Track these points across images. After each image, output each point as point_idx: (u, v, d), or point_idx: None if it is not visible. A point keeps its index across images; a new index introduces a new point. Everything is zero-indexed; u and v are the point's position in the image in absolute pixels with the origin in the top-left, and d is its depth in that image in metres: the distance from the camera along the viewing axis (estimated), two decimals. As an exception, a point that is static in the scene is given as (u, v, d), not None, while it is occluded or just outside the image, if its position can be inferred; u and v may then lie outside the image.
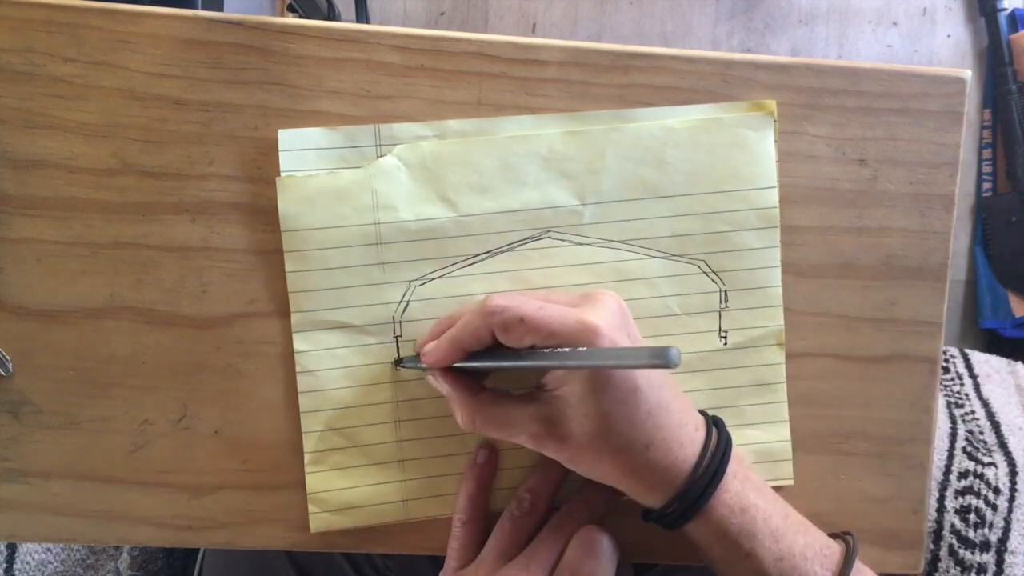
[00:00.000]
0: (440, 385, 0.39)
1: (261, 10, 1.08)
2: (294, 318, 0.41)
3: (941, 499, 0.62)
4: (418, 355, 0.40)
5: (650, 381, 0.35)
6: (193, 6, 0.63)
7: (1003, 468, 0.64)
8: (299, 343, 0.41)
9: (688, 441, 0.36)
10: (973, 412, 0.73)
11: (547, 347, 0.35)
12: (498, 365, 0.37)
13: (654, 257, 0.43)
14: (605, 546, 0.35)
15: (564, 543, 0.37)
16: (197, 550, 0.55)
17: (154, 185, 0.41)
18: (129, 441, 0.41)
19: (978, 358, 0.81)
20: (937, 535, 0.61)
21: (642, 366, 0.32)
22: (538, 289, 0.42)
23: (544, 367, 0.35)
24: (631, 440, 0.35)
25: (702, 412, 0.39)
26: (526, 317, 0.34)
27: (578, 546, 0.36)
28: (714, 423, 0.38)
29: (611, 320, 0.35)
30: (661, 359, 0.29)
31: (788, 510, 0.38)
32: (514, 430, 0.36)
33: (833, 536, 0.39)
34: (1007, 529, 0.61)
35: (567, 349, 0.34)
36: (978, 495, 0.62)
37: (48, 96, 0.40)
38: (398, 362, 0.42)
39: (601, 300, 0.36)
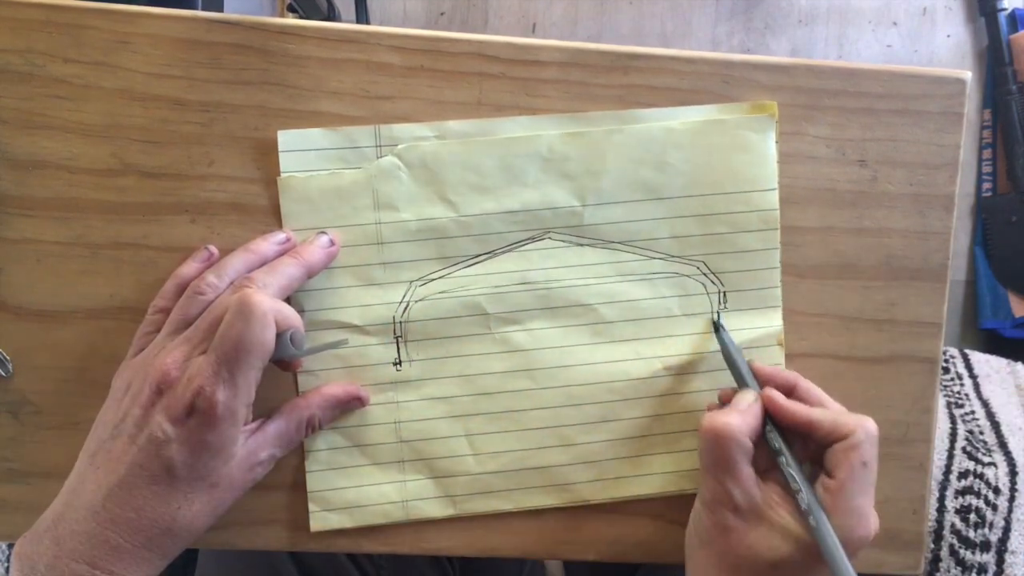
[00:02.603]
0: (748, 399, 0.39)
1: (261, 10, 1.08)
2: (294, 318, 0.41)
3: (941, 499, 0.62)
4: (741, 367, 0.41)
5: None
6: (193, 6, 0.63)
7: (1003, 468, 0.64)
8: (299, 343, 0.41)
9: None
10: (973, 412, 0.73)
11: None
12: (795, 472, 0.37)
13: (654, 258, 0.43)
14: (257, 311, 0.35)
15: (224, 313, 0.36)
16: (196, 550, 0.55)
17: (154, 185, 0.41)
18: (129, 441, 0.41)
19: (978, 358, 0.81)
20: (937, 535, 0.61)
21: None
22: (538, 289, 0.42)
23: (812, 516, 0.35)
24: None
25: None
26: (854, 475, 0.36)
27: (233, 310, 0.35)
28: None
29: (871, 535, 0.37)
30: None
31: None
32: (726, 478, 0.37)
33: None
34: (1007, 529, 0.61)
35: (830, 530, 0.35)
36: (978, 495, 0.62)
37: (48, 96, 0.40)
38: (717, 327, 0.42)
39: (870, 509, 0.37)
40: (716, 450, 0.37)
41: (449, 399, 0.42)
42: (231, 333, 0.35)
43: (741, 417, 0.38)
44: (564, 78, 0.42)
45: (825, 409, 0.39)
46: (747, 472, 0.37)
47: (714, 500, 0.38)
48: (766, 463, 0.38)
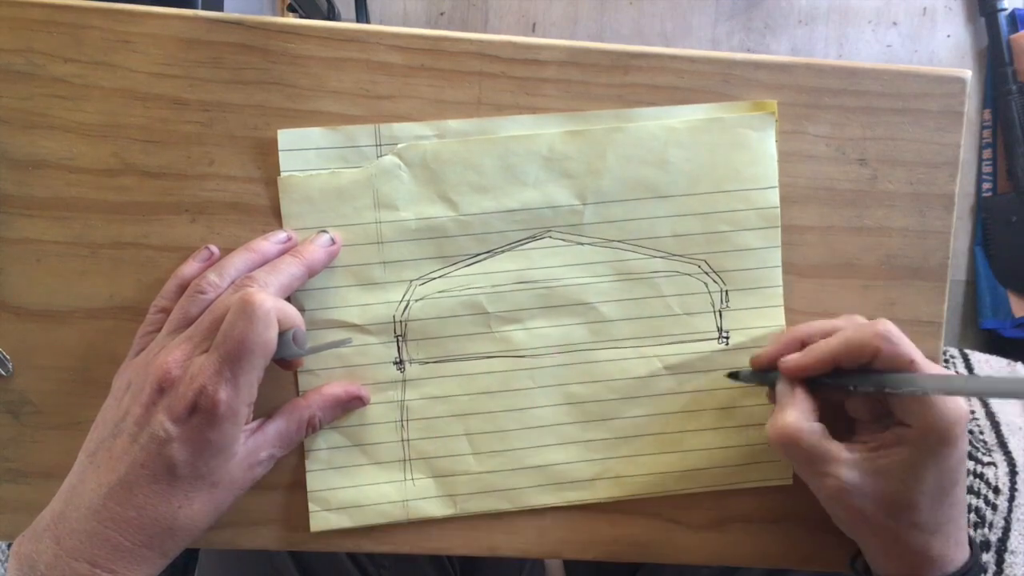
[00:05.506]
0: (786, 390, 0.38)
1: (261, 10, 1.08)
2: (294, 318, 0.41)
3: (941, 499, 0.62)
4: (754, 371, 0.41)
5: (964, 479, 0.36)
6: (193, 6, 0.63)
7: (1003, 468, 0.64)
8: (299, 343, 0.41)
9: (962, 545, 0.36)
10: (973, 412, 0.73)
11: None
12: (870, 382, 0.36)
13: (655, 257, 0.43)
14: (260, 310, 0.35)
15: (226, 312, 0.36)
16: (196, 550, 0.55)
17: (154, 185, 0.41)
18: (129, 441, 0.41)
19: (978, 358, 0.81)
20: (937, 535, 0.61)
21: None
22: (538, 288, 0.42)
23: (927, 390, 0.34)
24: (927, 521, 0.35)
25: None
26: (916, 362, 0.35)
27: (235, 309, 0.35)
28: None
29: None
30: None
31: None
32: (824, 467, 0.36)
33: None
34: (1007, 529, 0.61)
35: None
36: (978, 495, 0.62)
37: (48, 96, 0.40)
38: (733, 375, 0.42)
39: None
40: (795, 453, 0.36)
41: (449, 398, 0.42)
42: (233, 332, 0.35)
43: (793, 408, 0.37)
44: (564, 77, 0.42)
45: (838, 330, 0.38)
46: (834, 448, 0.36)
47: (831, 494, 0.36)
48: (845, 420, 0.37)
